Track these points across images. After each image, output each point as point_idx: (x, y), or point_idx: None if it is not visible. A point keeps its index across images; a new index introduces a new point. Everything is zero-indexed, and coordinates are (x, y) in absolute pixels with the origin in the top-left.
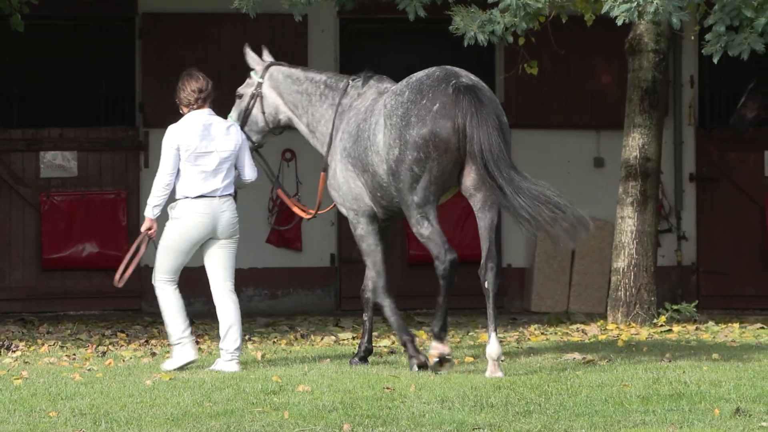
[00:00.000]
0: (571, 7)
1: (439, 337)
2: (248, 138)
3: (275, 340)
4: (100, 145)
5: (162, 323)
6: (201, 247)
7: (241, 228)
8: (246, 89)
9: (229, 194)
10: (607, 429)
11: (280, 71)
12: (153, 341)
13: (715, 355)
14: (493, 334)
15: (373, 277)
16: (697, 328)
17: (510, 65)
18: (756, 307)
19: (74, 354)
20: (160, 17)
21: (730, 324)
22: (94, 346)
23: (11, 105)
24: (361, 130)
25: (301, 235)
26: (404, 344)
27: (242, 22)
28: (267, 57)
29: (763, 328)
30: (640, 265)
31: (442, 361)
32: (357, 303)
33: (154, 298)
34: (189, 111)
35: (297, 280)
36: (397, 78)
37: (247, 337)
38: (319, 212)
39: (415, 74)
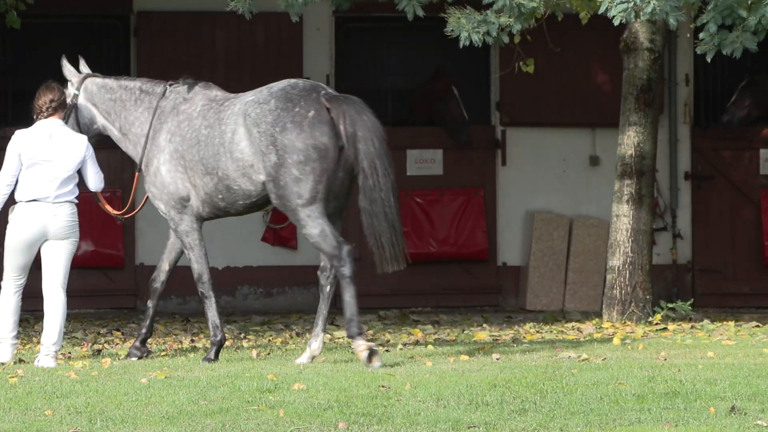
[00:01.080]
0: (567, 5)
1: (353, 335)
2: None
3: (270, 338)
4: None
5: (158, 321)
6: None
7: (237, 226)
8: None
9: (67, 201)
10: (603, 427)
11: (94, 83)
12: (149, 339)
13: (710, 354)
14: (321, 334)
15: (198, 270)
16: (692, 327)
17: (505, 63)
18: (751, 305)
19: (69, 352)
20: (155, 15)
21: (725, 322)
22: (90, 344)
23: (6, 102)
24: (207, 136)
25: (297, 234)
26: (214, 344)
27: (237, 20)
28: (84, 69)
29: (758, 326)
30: (636, 263)
31: (372, 354)
32: None
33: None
34: (39, 119)
35: (292, 279)
36: (394, 76)
37: (242, 335)
38: (130, 213)
39: (274, 84)
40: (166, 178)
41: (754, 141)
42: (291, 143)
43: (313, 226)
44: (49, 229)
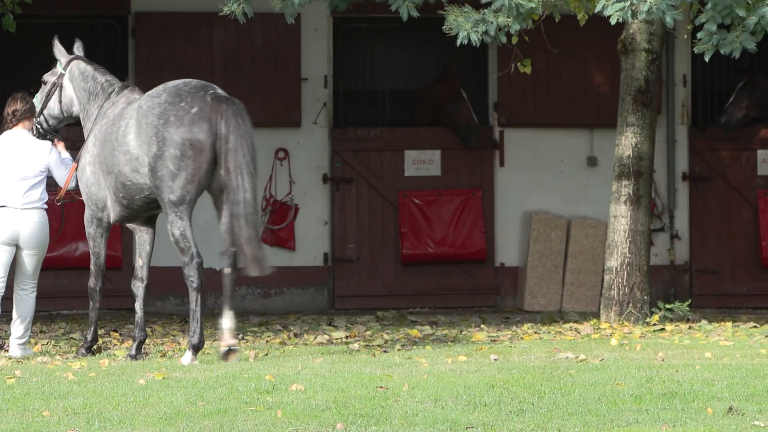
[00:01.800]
0: (564, 6)
1: (197, 348)
2: (45, 122)
3: (268, 339)
4: None
5: (155, 322)
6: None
7: None
8: (50, 77)
9: (35, 207)
10: (600, 428)
11: (78, 66)
12: (146, 341)
13: (708, 354)
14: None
15: (93, 274)
16: (690, 327)
17: (503, 64)
18: (749, 305)
19: (67, 353)
20: (153, 16)
21: (723, 323)
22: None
23: (4, 104)
24: (108, 134)
25: (295, 235)
26: (87, 339)
27: (235, 21)
28: (77, 50)
29: (756, 326)
30: (633, 264)
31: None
32: (350, 302)
33: (147, 297)
34: (7, 129)
35: (290, 280)
36: (392, 76)
37: (240, 336)
38: (65, 199)
39: (171, 82)
40: (91, 178)
41: (751, 142)
42: (170, 136)
43: (178, 226)
44: (21, 236)
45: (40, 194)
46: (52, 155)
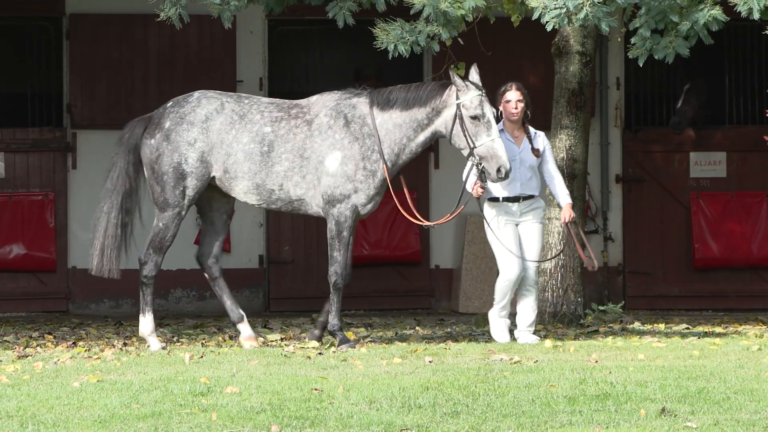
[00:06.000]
0: (499, 8)
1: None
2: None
3: (203, 341)
4: (28, 146)
5: (90, 324)
6: None
7: None
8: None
9: None
10: (534, 429)
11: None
12: (81, 343)
13: (641, 356)
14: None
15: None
16: (623, 329)
17: (438, 67)
18: (681, 307)
19: (0, 357)
20: (88, 18)
21: (655, 324)
22: (21, 348)
23: None
24: None
25: (230, 237)
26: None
27: (170, 23)
28: (473, 77)
29: (688, 328)
30: (567, 265)
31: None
32: (286, 304)
33: (82, 300)
34: None
35: (226, 282)
36: (327, 79)
37: (175, 338)
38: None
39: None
40: None
41: (683, 144)
42: None
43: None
44: None
45: None
46: None
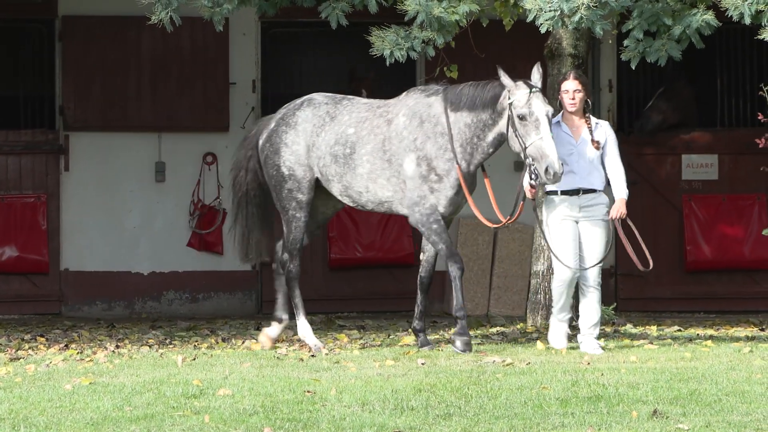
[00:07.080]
0: (491, 11)
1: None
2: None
3: (196, 343)
4: (20, 148)
5: (83, 327)
6: None
7: (163, 231)
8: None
9: None
10: (527, 431)
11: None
12: (73, 345)
13: (633, 358)
14: None
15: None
16: (615, 331)
17: (431, 69)
18: (673, 309)
19: None
20: (81, 20)
21: (647, 326)
22: (14, 350)
23: None
24: None
25: (223, 239)
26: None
27: (163, 25)
28: (534, 76)
29: (680, 330)
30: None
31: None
32: None
33: (74, 302)
34: None
35: (218, 284)
36: (320, 81)
37: (167, 340)
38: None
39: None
40: None
41: (676, 147)
42: None
43: None
44: None
45: None
46: None
